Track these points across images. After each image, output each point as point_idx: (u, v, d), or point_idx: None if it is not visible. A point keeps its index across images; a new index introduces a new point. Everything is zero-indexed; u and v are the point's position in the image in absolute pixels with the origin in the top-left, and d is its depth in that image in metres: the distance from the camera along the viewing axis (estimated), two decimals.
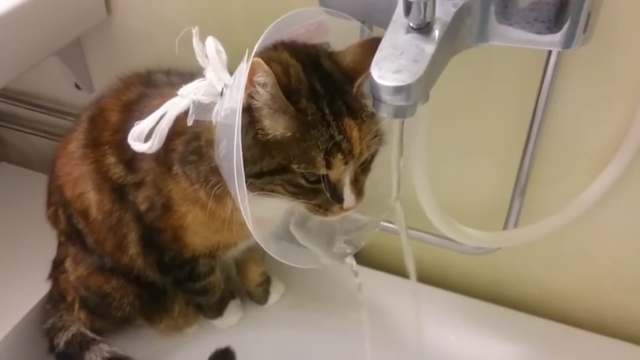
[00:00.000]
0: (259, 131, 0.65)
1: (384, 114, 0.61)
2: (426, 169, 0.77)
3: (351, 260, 0.80)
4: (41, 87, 1.33)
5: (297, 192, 0.67)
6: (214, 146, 0.71)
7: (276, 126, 0.64)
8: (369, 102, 0.65)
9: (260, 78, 0.62)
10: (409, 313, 0.95)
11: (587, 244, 0.98)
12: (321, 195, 0.67)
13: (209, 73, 0.70)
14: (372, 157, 0.70)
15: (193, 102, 0.69)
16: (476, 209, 0.99)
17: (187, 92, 0.70)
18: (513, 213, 0.95)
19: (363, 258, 1.12)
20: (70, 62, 1.19)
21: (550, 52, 0.80)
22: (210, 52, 0.68)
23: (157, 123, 0.69)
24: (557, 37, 0.67)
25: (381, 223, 0.98)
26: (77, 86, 1.26)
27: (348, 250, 0.78)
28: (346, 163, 0.65)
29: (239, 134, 0.60)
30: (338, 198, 0.67)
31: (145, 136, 0.70)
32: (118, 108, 0.85)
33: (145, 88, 0.85)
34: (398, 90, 0.59)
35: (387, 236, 0.91)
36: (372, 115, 0.66)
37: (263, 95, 0.63)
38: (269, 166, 0.65)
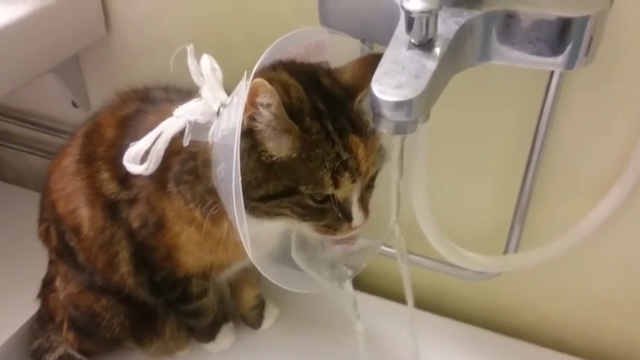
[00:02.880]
0: (262, 153, 0.63)
1: (384, 129, 0.60)
2: (426, 191, 0.77)
3: (348, 285, 0.77)
4: (38, 105, 1.32)
5: (305, 213, 0.66)
6: (211, 167, 0.70)
7: (280, 147, 0.63)
8: (370, 118, 0.64)
9: (263, 99, 0.61)
10: (406, 340, 0.93)
11: (587, 270, 0.97)
12: (330, 215, 0.66)
13: (205, 91, 0.69)
14: (376, 173, 0.69)
15: (189, 122, 0.68)
16: (475, 233, 0.97)
17: (183, 113, 0.69)
18: (514, 237, 0.94)
19: (361, 283, 1.10)
20: (68, 79, 1.18)
21: (552, 73, 0.79)
22: (205, 70, 0.67)
23: (153, 144, 0.68)
24: (560, 58, 0.66)
25: (380, 247, 0.98)
26: (74, 104, 1.25)
27: (349, 273, 0.75)
28: (354, 182, 0.64)
29: (237, 156, 0.59)
30: (347, 216, 0.67)
31: (140, 157, 0.69)
32: (114, 123, 0.84)
33: (142, 103, 0.84)
34: (399, 105, 0.58)
35: (385, 261, 0.90)
36: (375, 132, 0.65)
37: (266, 116, 0.61)
38: (275, 189, 0.64)
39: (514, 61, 0.68)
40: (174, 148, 0.70)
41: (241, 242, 0.64)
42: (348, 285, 0.77)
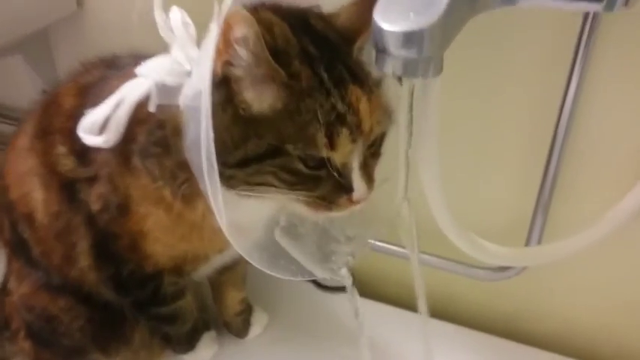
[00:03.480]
0: (241, 106, 0.55)
1: (389, 69, 0.49)
2: (438, 165, 0.65)
3: (347, 276, 0.65)
4: (4, 95, 1.22)
5: (295, 181, 0.57)
6: (182, 136, 0.60)
7: (262, 98, 0.55)
8: (372, 69, 0.56)
9: (239, 31, 0.52)
10: (413, 350, 0.83)
11: (618, 269, 0.88)
12: (325, 184, 0.58)
13: (175, 50, 0.61)
14: (382, 137, 0.60)
15: (156, 84, 0.60)
16: (492, 226, 0.88)
17: (148, 71, 0.61)
18: (536, 230, 0.85)
19: (362, 288, 0.99)
20: (37, 62, 1.10)
21: (581, 36, 0.70)
22: (175, 24, 0.61)
23: (114, 111, 0.61)
24: None
25: (385, 245, 0.92)
26: (45, 92, 1.13)
27: (348, 259, 0.64)
28: (354, 142, 0.56)
29: (209, 101, 0.50)
30: (346, 187, 0.58)
31: (98, 127, 0.61)
32: (74, 92, 0.74)
33: (108, 70, 0.74)
34: (408, 37, 0.48)
35: (389, 261, 0.85)
36: (380, 85, 0.58)
37: (244, 58, 0.53)
38: (256, 149, 0.55)
39: (543, 2, 0.57)
40: (139, 116, 0.63)
41: (220, 227, 0.57)
42: (345, 273, 0.65)
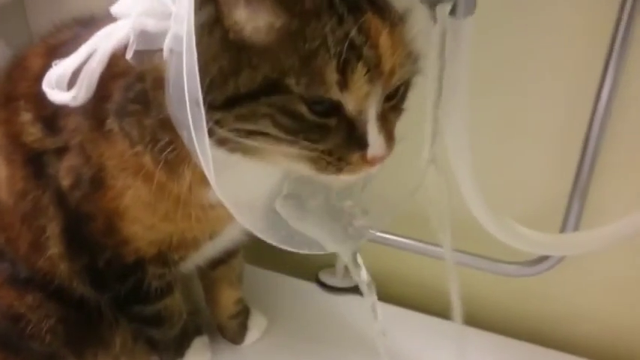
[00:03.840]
0: (231, 28, 0.47)
1: None
2: (467, 130, 0.56)
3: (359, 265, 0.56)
4: None
5: (296, 128, 0.49)
6: (165, 87, 0.52)
7: (256, 17, 0.47)
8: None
9: None
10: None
11: None
12: (334, 136, 0.50)
13: None
14: (406, 88, 0.53)
15: (134, 29, 0.52)
16: (523, 210, 0.82)
17: (126, 9, 0.53)
18: (572, 215, 0.80)
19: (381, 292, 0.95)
20: (12, 37, 1.00)
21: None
22: None
23: (85, 62, 0.54)
24: None
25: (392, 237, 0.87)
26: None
27: (364, 231, 0.56)
28: (371, 83, 0.48)
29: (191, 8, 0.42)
30: (359, 141, 0.50)
31: (66, 81, 0.55)
32: (43, 52, 0.67)
33: (83, 28, 0.65)
34: None
35: (395, 256, 0.81)
36: (404, 21, 0.50)
37: None
38: (249, 83, 0.48)
39: None
40: (115, 70, 0.57)
41: (212, 204, 0.56)
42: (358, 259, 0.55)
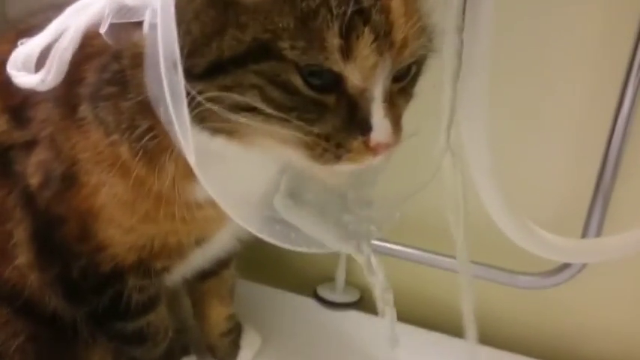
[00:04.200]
0: None
1: None
2: (486, 113, 0.50)
3: (368, 251, 0.50)
4: None
5: (289, 104, 0.44)
6: (145, 65, 0.47)
7: None
8: None
9: None
10: None
11: None
12: (333, 116, 0.45)
13: None
14: (418, 70, 0.49)
15: (110, 2, 0.48)
16: (541, 213, 0.75)
17: None
18: (594, 221, 0.76)
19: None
20: None
21: None
22: None
23: (55, 41, 0.50)
24: None
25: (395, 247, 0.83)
26: None
27: (372, 228, 0.51)
28: (380, 54, 0.43)
29: None
30: (362, 124, 0.45)
31: (34, 62, 0.51)
32: (12, 38, 0.61)
33: (57, 11, 0.59)
34: None
35: (400, 267, 0.76)
36: None
37: None
38: (235, 45, 0.43)
39: None
40: (89, 50, 0.53)
41: (199, 202, 0.53)
42: (366, 248, 0.49)
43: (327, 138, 0.46)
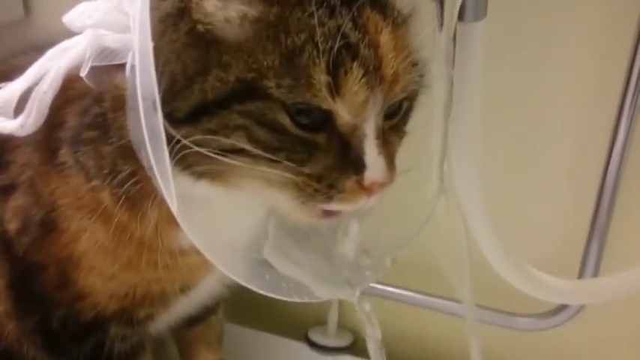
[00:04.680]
0: (199, 19, 0.42)
1: None
2: (479, 152, 0.49)
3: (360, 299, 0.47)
4: None
5: (277, 145, 0.42)
6: (127, 107, 0.46)
7: (228, 6, 0.41)
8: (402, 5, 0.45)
9: None
10: None
11: None
12: (324, 156, 0.43)
13: (123, 5, 0.48)
14: (410, 106, 0.48)
15: (91, 45, 0.47)
16: (536, 254, 0.74)
17: (80, 17, 0.48)
18: (590, 261, 0.74)
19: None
20: None
21: None
22: None
23: (35, 85, 0.49)
24: None
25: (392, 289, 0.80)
26: None
27: (367, 274, 0.48)
28: (370, 88, 0.42)
29: None
30: (354, 163, 0.43)
31: (13, 107, 0.49)
32: None
33: (40, 52, 0.58)
34: None
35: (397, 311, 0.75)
36: (408, 23, 0.46)
37: None
38: (219, 86, 0.41)
39: None
40: (70, 93, 0.52)
41: (182, 249, 0.50)
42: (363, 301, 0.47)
43: (318, 179, 0.43)
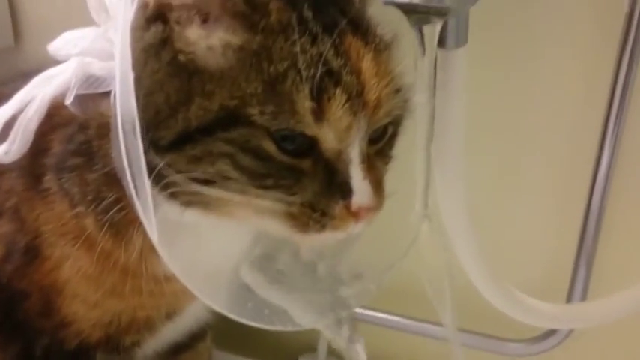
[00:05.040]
0: (182, 49, 0.42)
1: None
2: (462, 181, 0.49)
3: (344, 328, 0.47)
4: None
5: (262, 172, 0.42)
6: (112, 135, 0.45)
7: (211, 37, 0.41)
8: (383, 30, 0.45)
9: None
10: None
11: None
12: (310, 182, 0.43)
13: (109, 33, 0.48)
14: (395, 131, 0.47)
15: (76, 73, 0.47)
16: (524, 278, 0.73)
17: (65, 45, 0.49)
18: (578, 283, 0.72)
19: None
20: None
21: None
22: (112, 1, 0.48)
23: (20, 111, 0.49)
24: None
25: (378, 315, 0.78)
26: None
27: (351, 301, 0.47)
28: (354, 114, 0.41)
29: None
30: (341, 188, 0.43)
31: None
32: None
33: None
34: None
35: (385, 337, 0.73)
36: (391, 49, 0.45)
37: None
38: (203, 114, 0.41)
39: None
40: (56, 120, 0.52)
41: (167, 275, 0.48)
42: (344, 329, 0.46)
43: (311, 207, 0.43)
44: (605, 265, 0.72)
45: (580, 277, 0.71)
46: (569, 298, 0.72)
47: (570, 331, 0.74)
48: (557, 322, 0.69)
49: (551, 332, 0.74)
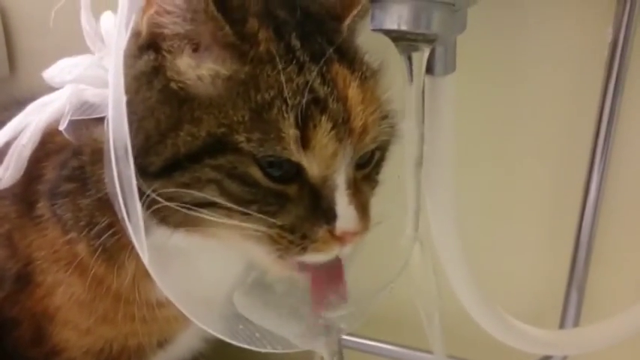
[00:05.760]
0: (173, 77, 0.43)
1: (393, 22, 0.35)
2: (453, 200, 0.49)
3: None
4: None
5: (249, 197, 0.42)
6: (105, 159, 0.45)
7: (200, 66, 0.42)
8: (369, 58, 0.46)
9: None
10: None
11: None
12: (295, 206, 0.43)
13: (104, 61, 0.50)
14: (382, 156, 0.48)
15: (70, 100, 0.48)
16: (516, 304, 0.72)
17: (60, 73, 0.49)
18: (571, 309, 0.72)
19: None
20: None
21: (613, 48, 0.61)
22: (107, 30, 0.50)
23: (14, 139, 0.49)
24: None
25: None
26: None
27: (342, 326, 0.46)
28: (339, 141, 0.42)
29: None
30: (326, 213, 0.43)
31: None
32: None
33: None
34: None
35: None
36: (377, 76, 0.46)
37: (178, 8, 0.41)
38: (191, 141, 0.42)
39: None
40: (49, 147, 0.52)
41: (160, 301, 0.49)
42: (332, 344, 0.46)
43: (291, 229, 0.43)
44: (597, 290, 0.71)
45: (572, 302, 0.70)
46: (561, 324, 0.71)
47: (564, 358, 0.73)
48: (552, 348, 0.68)
49: (546, 358, 0.73)
